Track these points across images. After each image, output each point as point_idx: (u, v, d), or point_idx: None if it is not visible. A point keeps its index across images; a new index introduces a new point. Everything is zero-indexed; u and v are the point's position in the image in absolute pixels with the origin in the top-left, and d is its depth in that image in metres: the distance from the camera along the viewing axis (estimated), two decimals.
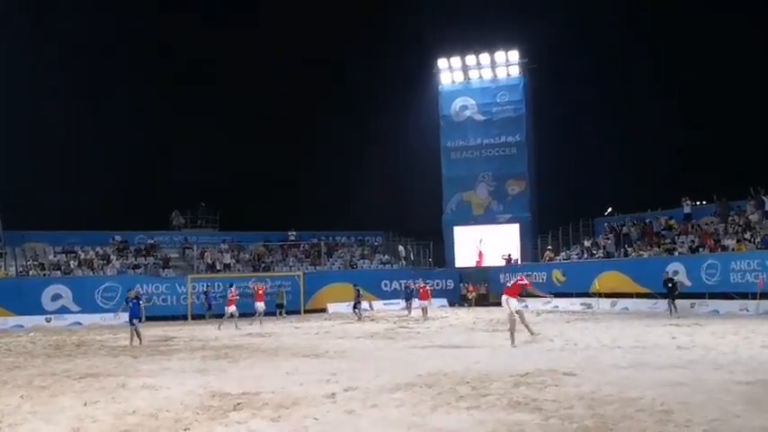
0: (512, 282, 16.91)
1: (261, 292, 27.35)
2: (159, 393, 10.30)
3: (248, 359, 14.76)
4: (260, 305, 26.74)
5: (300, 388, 10.34)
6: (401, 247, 40.18)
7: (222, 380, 11.55)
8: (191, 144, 43.67)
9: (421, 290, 29.21)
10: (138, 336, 19.28)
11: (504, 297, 16.22)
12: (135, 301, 19.77)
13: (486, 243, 39.42)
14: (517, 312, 15.93)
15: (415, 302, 29.99)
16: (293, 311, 32.71)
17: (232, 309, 25.62)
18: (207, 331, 24.01)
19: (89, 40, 40.87)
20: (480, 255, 39.57)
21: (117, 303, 30.90)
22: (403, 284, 33.18)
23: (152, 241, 37.33)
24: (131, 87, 42.21)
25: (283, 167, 44.54)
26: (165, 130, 43.21)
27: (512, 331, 15.70)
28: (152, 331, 24.52)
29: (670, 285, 25.15)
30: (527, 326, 16.24)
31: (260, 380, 11.33)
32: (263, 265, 36.86)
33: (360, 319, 27.58)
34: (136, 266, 34.61)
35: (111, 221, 37.23)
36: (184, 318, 31.01)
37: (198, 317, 30.93)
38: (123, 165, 41.37)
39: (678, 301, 26.88)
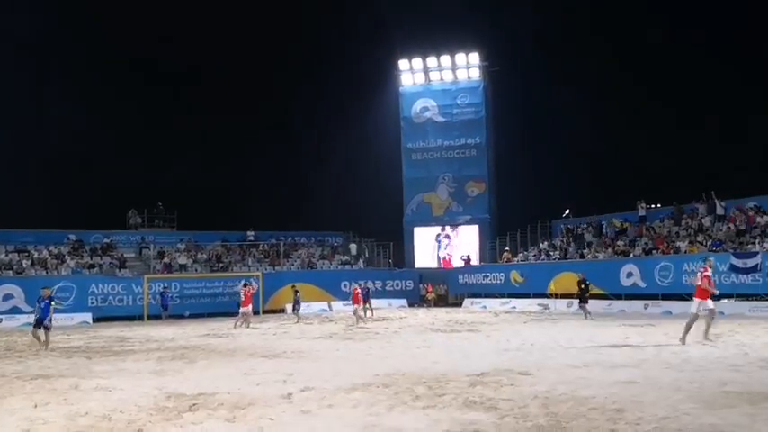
0: (697, 281, 15.14)
1: (249, 294, 25.62)
2: (113, 395, 10.13)
3: (205, 360, 14.61)
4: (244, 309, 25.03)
5: (257, 388, 10.28)
6: (353, 245, 40.27)
7: (178, 381, 11.42)
8: (149, 142, 43.15)
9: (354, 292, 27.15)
10: (46, 340, 17.77)
11: (696, 300, 15.04)
12: (47, 301, 17.91)
13: (451, 244, 39.87)
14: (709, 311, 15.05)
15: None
16: (253, 312, 32.40)
17: (247, 308, 24.64)
18: (163, 332, 23.69)
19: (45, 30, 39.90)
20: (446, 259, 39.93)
21: (71, 304, 30.47)
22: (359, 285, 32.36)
23: (108, 241, 36.73)
24: (86, 83, 41.42)
25: (242, 167, 44.25)
26: (123, 128, 42.60)
27: (689, 326, 14.88)
28: (107, 331, 24.20)
29: (582, 287, 25.22)
30: (707, 328, 15.31)
31: (216, 380, 11.23)
32: (221, 265, 36.53)
33: (298, 320, 26.99)
34: (91, 266, 34.00)
35: (65, 220, 36.54)
36: (141, 318, 30.57)
37: (154, 317, 30.49)
38: (79, 162, 40.57)
39: (630, 302, 27.57)
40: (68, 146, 40.01)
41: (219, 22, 44.57)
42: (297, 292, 28.91)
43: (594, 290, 29.31)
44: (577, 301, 25.55)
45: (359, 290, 26.21)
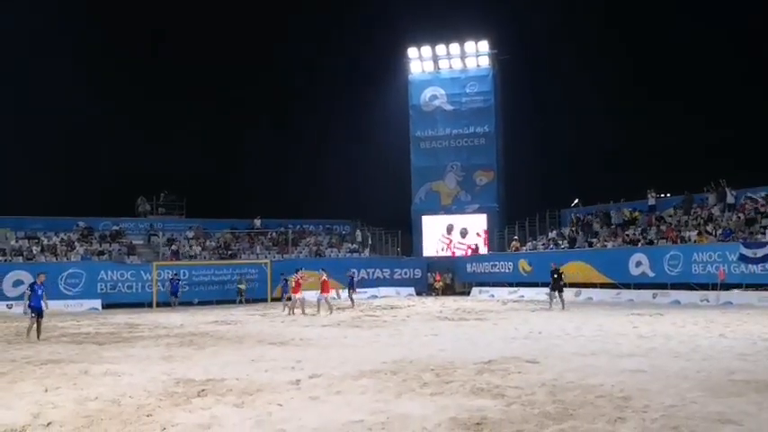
0: None
1: (300, 282, 24.71)
2: (122, 380, 10.21)
3: (213, 346, 14.69)
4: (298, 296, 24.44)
5: (265, 375, 10.34)
6: (358, 232, 40.33)
7: (186, 366, 11.49)
8: (158, 129, 43.21)
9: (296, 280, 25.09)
10: (38, 328, 17.00)
11: None
12: (41, 287, 17.12)
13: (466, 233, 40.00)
14: None
15: (344, 294, 28.89)
16: (261, 299, 32.63)
17: (299, 295, 24.19)
18: (172, 318, 23.82)
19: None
20: (470, 247, 39.91)
21: (80, 290, 30.67)
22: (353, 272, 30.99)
23: (117, 228, 36.88)
24: (94, 70, 41.48)
25: (251, 155, 44.31)
26: (134, 115, 42.66)
27: None
28: (116, 318, 24.34)
29: (555, 276, 24.63)
30: None
31: (225, 367, 11.29)
32: (229, 253, 36.65)
33: (285, 308, 25.99)
34: (100, 253, 34.16)
35: (75, 207, 36.66)
36: (150, 305, 30.73)
37: (163, 304, 30.66)
38: (88, 149, 40.73)
39: (638, 291, 27.47)
40: (79, 132, 40.18)
41: (226, 12, 44.49)
42: (286, 280, 28.20)
43: (603, 279, 29.38)
44: (548, 288, 24.98)
45: (325, 277, 24.86)
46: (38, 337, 16.86)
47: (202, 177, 42.57)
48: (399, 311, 25.02)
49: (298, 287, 24.47)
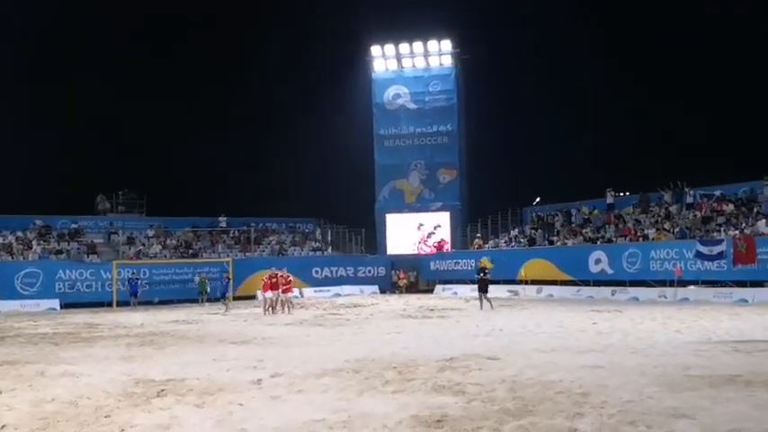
0: None
1: (274, 281, 24.22)
2: (80, 381, 10.07)
3: (174, 346, 14.55)
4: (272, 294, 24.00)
5: (227, 374, 10.28)
6: (318, 230, 40.32)
7: (147, 366, 11.37)
8: (119, 125, 42.53)
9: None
10: None
11: None
12: None
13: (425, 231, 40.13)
14: None
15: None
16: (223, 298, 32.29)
17: (268, 294, 23.85)
18: (132, 318, 23.50)
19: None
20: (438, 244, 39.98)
21: (38, 290, 30.07)
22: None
23: (76, 226, 36.21)
24: (56, 63, 40.69)
25: (214, 152, 43.82)
26: (92, 111, 41.89)
27: None
28: (75, 318, 23.94)
29: (482, 275, 23.91)
30: None
31: (185, 366, 11.20)
32: (191, 252, 36.25)
33: (227, 309, 26.04)
34: (59, 252, 33.52)
35: (32, 205, 35.89)
36: (110, 304, 30.24)
37: (124, 304, 30.17)
38: (46, 145, 39.84)
39: (598, 288, 27.92)
40: (34, 128, 39.35)
41: (190, 10, 43.93)
42: (228, 279, 27.91)
43: (564, 276, 29.75)
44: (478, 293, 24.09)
45: (284, 275, 24.51)
46: None
47: (163, 175, 42.02)
48: (363, 310, 25.05)
49: (266, 286, 24.15)
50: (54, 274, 30.63)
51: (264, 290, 24.27)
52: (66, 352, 13.87)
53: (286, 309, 23.80)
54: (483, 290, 23.65)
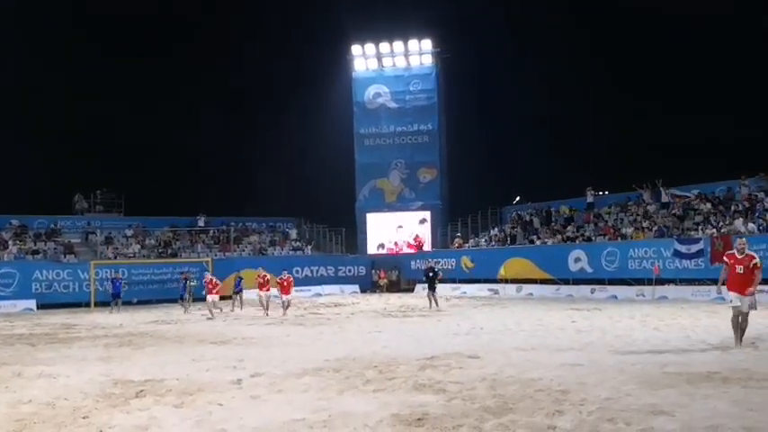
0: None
1: (261, 280, 24.07)
2: (57, 382, 9.96)
3: (153, 346, 14.44)
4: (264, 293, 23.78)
5: (206, 374, 10.22)
6: (294, 230, 40.29)
7: (125, 367, 11.27)
8: (96, 124, 42.13)
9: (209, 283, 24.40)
10: None
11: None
12: None
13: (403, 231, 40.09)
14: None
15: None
16: (201, 299, 31.96)
17: (213, 296, 23.72)
18: (110, 318, 23.30)
19: None
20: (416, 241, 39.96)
21: (14, 290, 29.68)
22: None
23: (53, 226, 35.79)
24: (29, 63, 40.20)
25: (193, 152, 43.57)
26: (69, 110, 41.45)
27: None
28: (52, 319, 23.68)
29: (431, 275, 24.18)
30: None
31: (164, 367, 11.11)
32: (169, 252, 35.98)
33: (186, 310, 25.83)
34: (35, 252, 33.12)
35: (8, 204, 35.41)
36: (87, 305, 29.90)
37: (103, 304, 29.71)
38: (22, 144, 39.34)
39: (577, 287, 28.09)
40: (10, 126, 38.88)
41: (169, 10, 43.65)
42: (186, 279, 27.87)
43: (543, 275, 29.90)
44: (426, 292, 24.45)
45: (264, 274, 24.27)
46: None
47: (141, 175, 41.70)
48: (343, 309, 25.03)
49: (210, 289, 23.94)
50: (31, 274, 30.25)
51: (260, 289, 23.99)
52: (43, 353, 13.72)
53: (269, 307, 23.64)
54: (432, 288, 24.03)
